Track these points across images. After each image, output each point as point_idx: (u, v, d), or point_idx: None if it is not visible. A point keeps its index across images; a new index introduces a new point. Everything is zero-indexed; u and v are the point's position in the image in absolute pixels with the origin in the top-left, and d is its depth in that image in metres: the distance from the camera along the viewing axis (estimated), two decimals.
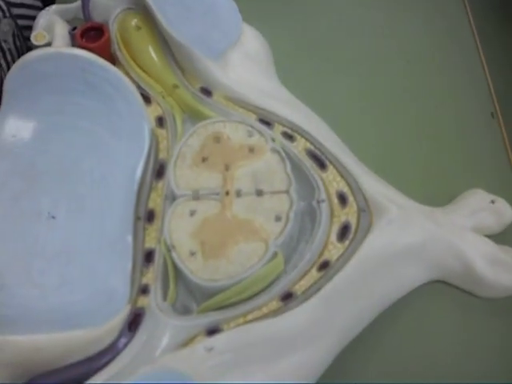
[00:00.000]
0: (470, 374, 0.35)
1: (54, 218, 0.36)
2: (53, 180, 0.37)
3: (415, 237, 0.35)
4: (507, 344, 0.36)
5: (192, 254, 0.33)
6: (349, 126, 0.42)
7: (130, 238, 0.35)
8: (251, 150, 0.36)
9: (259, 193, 0.35)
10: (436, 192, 0.41)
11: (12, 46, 0.46)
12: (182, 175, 0.35)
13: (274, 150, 0.36)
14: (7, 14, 0.44)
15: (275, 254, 0.32)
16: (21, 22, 0.47)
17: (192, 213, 0.34)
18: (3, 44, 0.44)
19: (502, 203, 0.39)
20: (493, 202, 0.38)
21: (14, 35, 0.46)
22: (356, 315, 0.34)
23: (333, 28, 0.51)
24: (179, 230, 0.34)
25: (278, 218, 0.34)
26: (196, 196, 0.35)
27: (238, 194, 0.35)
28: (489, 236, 0.38)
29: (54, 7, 0.43)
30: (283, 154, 0.36)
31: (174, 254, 0.33)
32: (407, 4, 0.52)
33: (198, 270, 0.32)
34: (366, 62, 0.48)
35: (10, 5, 0.45)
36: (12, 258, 0.34)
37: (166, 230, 0.34)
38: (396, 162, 0.43)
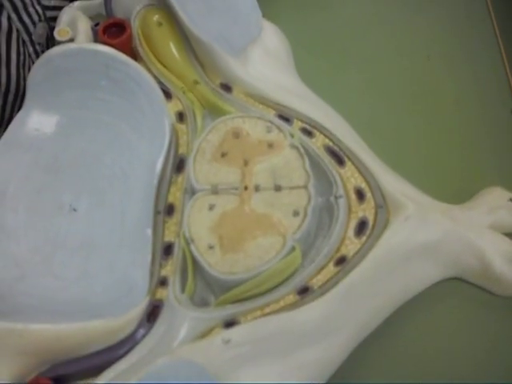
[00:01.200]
0: (487, 371, 0.35)
1: (75, 210, 0.36)
2: (75, 174, 0.37)
3: (432, 234, 0.35)
4: None
5: (210, 247, 0.33)
6: (367, 121, 0.43)
7: (149, 232, 0.35)
8: (270, 145, 0.36)
9: (277, 188, 0.35)
10: (454, 189, 0.41)
11: (45, 49, 0.47)
12: (202, 170, 0.36)
13: (293, 146, 0.36)
14: (42, 18, 0.45)
15: (293, 249, 0.33)
16: (54, 24, 0.48)
17: (211, 207, 0.35)
18: (37, 47, 0.45)
19: None
20: (511, 199, 0.38)
21: (47, 38, 0.47)
22: (372, 311, 0.34)
23: (352, 23, 0.51)
24: (198, 223, 0.34)
25: (295, 213, 0.34)
26: (215, 190, 0.35)
27: (257, 188, 0.35)
28: (507, 234, 0.37)
29: (77, 3, 0.44)
30: (302, 150, 0.36)
31: (192, 247, 0.33)
32: (429, 1, 0.52)
33: (217, 263, 0.33)
34: (385, 58, 0.49)
35: (44, 8, 0.45)
36: (34, 249, 0.34)
37: (185, 224, 0.34)
38: (414, 159, 0.43)
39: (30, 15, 0.44)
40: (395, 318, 0.35)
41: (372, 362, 0.35)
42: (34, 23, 0.44)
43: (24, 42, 0.44)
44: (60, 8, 0.48)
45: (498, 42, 0.49)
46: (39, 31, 0.45)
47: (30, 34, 0.44)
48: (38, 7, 0.45)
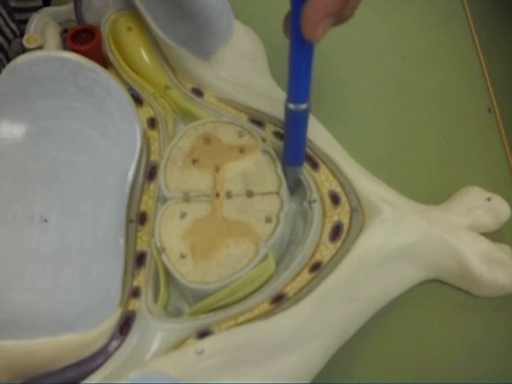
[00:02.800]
0: (467, 372, 0.35)
1: (46, 221, 0.36)
2: (45, 183, 0.37)
3: (409, 236, 0.35)
4: (504, 343, 0.36)
5: (182, 256, 0.33)
6: (343, 122, 0.43)
7: (122, 241, 0.35)
8: (242, 150, 0.36)
9: (249, 194, 0.34)
10: (432, 189, 0.41)
11: None
12: (173, 177, 0.35)
13: (265, 151, 0.36)
14: (17, 34, 0.44)
15: (266, 256, 0.32)
16: None
17: (182, 215, 0.34)
18: None
19: (498, 200, 0.38)
20: (489, 199, 0.38)
21: (23, 52, 0.46)
22: (349, 316, 0.34)
23: None
24: (169, 232, 0.33)
25: (268, 220, 0.33)
26: (186, 198, 0.35)
27: (229, 195, 0.34)
28: (485, 234, 0.37)
29: (46, 9, 0.43)
30: (274, 155, 0.35)
31: (164, 257, 0.33)
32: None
33: (189, 273, 0.32)
34: (361, 58, 0.48)
35: (20, 22, 0.45)
36: (4, 262, 0.34)
37: (156, 233, 0.33)
38: (391, 159, 0.43)
39: (4, 34, 0.43)
40: (374, 321, 0.35)
41: (352, 366, 0.35)
42: (8, 41, 0.44)
43: (0, 60, 0.43)
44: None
45: (474, 40, 0.48)
46: (15, 48, 0.44)
47: (5, 52, 0.44)
48: (12, 24, 0.44)
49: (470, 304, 0.37)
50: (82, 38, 0.40)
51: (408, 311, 0.37)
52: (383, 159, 0.42)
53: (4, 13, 0.43)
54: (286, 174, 0.35)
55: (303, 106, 0.31)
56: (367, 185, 0.36)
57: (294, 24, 0.27)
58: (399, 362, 0.35)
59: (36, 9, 0.48)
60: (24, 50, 0.45)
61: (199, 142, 0.36)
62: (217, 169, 0.35)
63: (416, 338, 0.36)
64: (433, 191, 0.40)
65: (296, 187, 0.35)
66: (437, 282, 0.37)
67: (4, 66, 0.42)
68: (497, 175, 0.42)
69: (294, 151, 0.34)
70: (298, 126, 0.32)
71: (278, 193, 0.34)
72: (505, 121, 0.44)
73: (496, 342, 0.36)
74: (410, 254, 0.35)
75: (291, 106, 0.31)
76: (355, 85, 0.47)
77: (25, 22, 0.46)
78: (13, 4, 0.46)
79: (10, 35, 0.44)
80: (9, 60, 0.44)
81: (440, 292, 0.37)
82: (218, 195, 0.34)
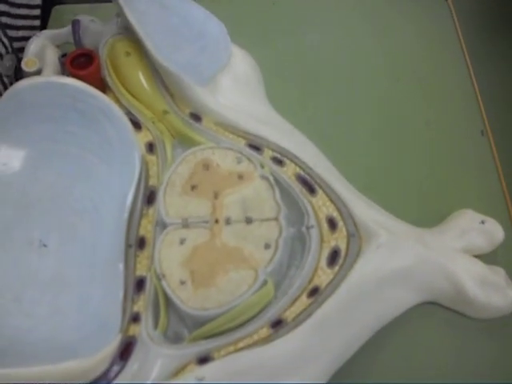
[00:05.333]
0: None
1: (45, 246, 0.36)
2: (44, 208, 0.37)
3: (405, 261, 0.35)
4: (499, 364, 0.36)
5: (182, 282, 0.33)
6: (338, 145, 0.43)
7: (121, 266, 0.35)
8: (240, 176, 0.36)
9: (248, 220, 0.35)
10: (426, 211, 0.41)
11: (14, 81, 0.46)
12: (172, 203, 0.36)
13: (263, 177, 0.36)
14: (9, 50, 0.45)
15: (265, 282, 0.33)
16: (21, 55, 0.47)
17: (182, 241, 0.34)
18: (5, 79, 0.45)
19: (492, 223, 0.39)
20: (483, 222, 0.38)
21: (15, 69, 0.46)
22: (347, 340, 0.34)
23: (321, 48, 0.51)
24: (169, 258, 0.34)
25: (267, 246, 0.34)
26: (185, 224, 0.35)
27: (228, 221, 0.35)
28: (479, 256, 0.38)
29: (44, 32, 0.43)
30: (272, 181, 0.36)
31: (164, 283, 0.33)
32: (396, 22, 0.52)
33: (189, 299, 0.32)
34: (355, 82, 0.49)
35: (12, 39, 0.45)
36: (3, 287, 0.34)
37: (156, 259, 0.34)
38: (385, 182, 0.43)
39: None
40: (370, 343, 0.35)
41: None
42: (1, 56, 0.44)
43: None
44: (28, 38, 0.48)
45: (467, 62, 0.49)
46: (6, 63, 0.44)
47: None
48: (4, 39, 0.44)
49: (465, 326, 0.37)
50: (81, 63, 0.40)
51: (403, 333, 0.37)
52: (377, 182, 0.43)
53: None
54: None
55: None
56: (364, 209, 0.36)
57: None
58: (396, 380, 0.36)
59: (29, 27, 0.49)
60: (16, 67, 0.45)
61: (198, 168, 0.37)
62: (216, 195, 0.36)
63: (411, 359, 0.36)
64: (427, 214, 0.41)
65: None
66: (432, 304, 0.37)
67: None
68: (490, 197, 0.42)
69: None
70: None
71: (276, 219, 0.35)
72: (498, 143, 0.45)
73: (491, 363, 0.36)
74: (407, 278, 0.35)
75: None
76: (349, 107, 0.47)
77: (16, 39, 0.46)
78: (4, 20, 0.46)
79: (3, 50, 0.44)
80: (0, 75, 0.44)
81: (435, 314, 0.37)
82: (217, 221, 0.35)
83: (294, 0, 0.54)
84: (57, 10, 0.53)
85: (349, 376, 0.35)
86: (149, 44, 0.38)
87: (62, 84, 0.37)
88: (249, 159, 0.37)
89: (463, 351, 0.37)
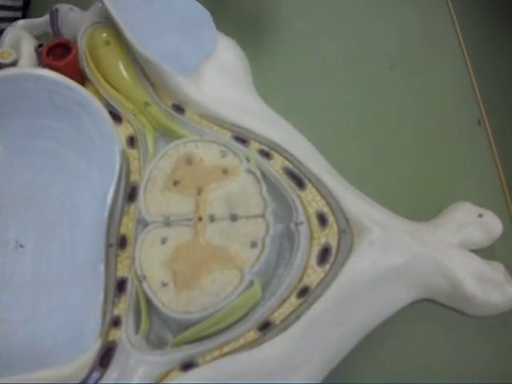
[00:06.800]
0: None
1: (22, 246, 0.34)
2: (21, 206, 0.35)
3: (399, 257, 0.34)
4: (498, 362, 0.35)
5: (164, 284, 0.31)
6: (331, 137, 0.41)
7: (101, 267, 0.34)
8: (225, 171, 0.34)
9: (234, 217, 0.33)
10: (421, 204, 0.40)
11: None
12: (153, 200, 0.34)
13: (249, 171, 0.34)
14: None
15: (252, 283, 0.31)
16: None
17: (163, 240, 0.33)
18: None
19: (490, 216, 0.37)
20: (481, 215, 0.37)
21: None
22: (339, 342, 0.33)
23: (312, 36, 0.49)
24: (150, 259, 0.32)
25: (253, 244, 0.32)
26: (167, 222, 0.33)
27: (212, 219, 0.33)
28: (477, 251, 0.36)
29: (21, 22, 0.41)
30: (258, 175, 0.34)
31: (145, 285, 0.31)
32: (389, 9, 0.50)
33: (171, 302, 0.31)
34: (347, 70, 0.47)
35: None
36: None
37: (136, 260, 0.32)
38: (379, 174, 0.42)
39: None
40: (364, 342, 0.34)
41: None
42: None
43: None
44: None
45: (463, 50, 0.47)
46: None
47: None
48: None
49: (462, 323, 0.36)
50: (58, 53, 0.39)
51: (399, 331, 0.36)
52: (371, 174, 0.41)
53: None
54: None
55: None
56: (356, 204, 0.35)
57: None
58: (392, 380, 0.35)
59: (10, 19, 0.47)
60: None
61: (180, 163, 0.35)
62: (199, 191, 0.34)
63: (407, 358, 0.35)
64: (422, 206, 0.40)
65: None
66: (429, 301, 0.36)
67: None
68: (487, 189, 0.41)
69: None
70: None
71: (263, 216, 0.33)
72: (495, 132, 0.43)
73: (489, 361, 0.35)
74: (402, 275, 0.34)
75: None
76: (340, 96, 0.46)
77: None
78: None
79: None
80: None
81: (432, 311, 0.36)
82: (200, 219, 0.33)
83: None
84: None
85: (343, 376, 0.34)
86: (128, 32, 0.37)
87: (38, 76, 0.35)
88: (234, 153, 0.35)
89: (461, 350, 0.36)
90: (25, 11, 0.51)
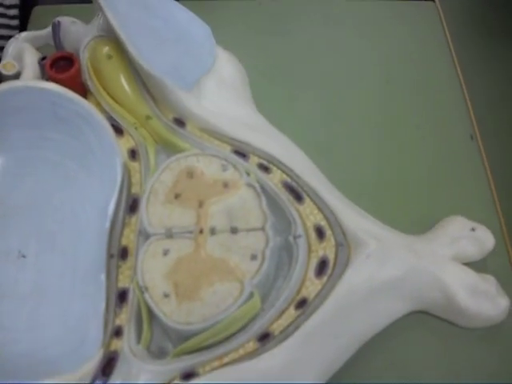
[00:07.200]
0: None
1: (24, 256, 0.35)
2: (23, 217, 0.36)
3: (395, 270, 0.34)
4: (490, 372, 0.36)
5: (166, 295, 0.32)
6: (326, 150, 0.42)
7: (102, 277, 0.34)
8: (225, 185, 0.35)
9: (234, 230, 0.34)
10: (416, 218, 0.41)
11: None
12: (155, 212, 0.35)
13: (249, 185, 0.35)
14: None
15: (251, 295, 0.32)
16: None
17: (165, 252, 0.33)
18: None
19: (482, 230, 0.38)
20: (473, 229, 0.38)
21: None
22: (336, 352, 0.34)
23: (309, 49, 0.50)
24: (152, 270, 0.33)
25: (253, 257, 0.33)
26: (169, 234, 0.34)
27: (213, 231, 0.34)
28: (469, 264, 0.37)
29: (23, 34, 0.42)
30: (258, 189, 0.35)
31: (147, 296, 0.32)
32: (385, 25, 0.52)
33: (173, 313, 0.31)
34: (343, 84, 0.48)
35: None
36: None
37: (138, 271, 0.33)
38: (375, 188, 0.43)
39: None
40: (361, 352, 0.35)
41: None
42: None
43: None
44: (6, 37, 0.47)
45: (456, 67, 0.49)
46: None
47: None
48: None
49: (455, 334, 0.37)
50: (61, 66, 0.39)
51: (394, 342, 0.37)
52: (366, 188, 0.42)
53: None
54: None
55: None
56: (352, 218, 0.35)
57: None
58: None
59: (6, 26, 0.48)
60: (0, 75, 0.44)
61: (182, 176, 0.36)
62: (200, 204, 0.35)
63: (402, 369, 0.36)
64: (416, 220, 0.40)
65: None
66: (423, 313, 0.37)
67: None
68: (480, 203, 0.42)
69: None
70: None
71: (263, 229, 0.34)
72: (486, 148, 0.44)
73: (482, 372, 0.36)
74: (397, 288, 0.35)
75: None
76: (337, 110, 0.47)
77: None
78: None
79: None
80: None
81: (425, 323, 0.37)
82: (201, 231, 0.34)
83: (279, 1, 0.53)
84: (37, 10, 0.52)
85: None
86: (131, 47, 0.37)
87: (41, 89, 0.36)
88: (234, 166, 0.36)
89: (454, 361, 0.36)
90: (24, 22, 0.52)
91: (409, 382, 0.36)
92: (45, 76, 0.39)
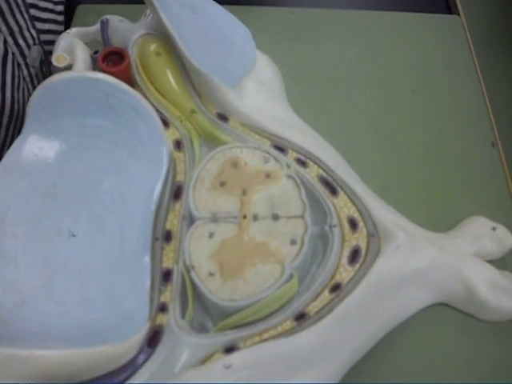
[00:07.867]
0: None
1: (74, 236, 0.36)
2: (73, 199, 0.38)
3: (421, 261, 0.37)
4: (508, 365, 0.38)
5: (211, 274, 0.34)
6: (356, 151, 0.44)
7: (147, 258, 0.36)
8: (267, 175, 0.37)
9: (275, 217, 0.36)
10: (439, 218, 0.43)
11: (39, 72, 0.48)
12: (201, 198, 0.37)
13: (289, 176, 0.37)
14: (36, 41, 0.46)
15: (291, 276, 0.34)
16: (47, 47, 0.48)
17: (211, 235, 0.35)
18: (31, 70, 0.46)
19: (502, 230, 0.40)
20: (494, 228, 0.40)
21: (41, 61, 0.47)
22: (365, 335, 0.35)
23: (340, 57, 0.52)
24: (198, 251, 0.35)
25: (293, 242, 0.35)
26: (214, 219, 0.36)
27: (255, 217, 0.36)
28: (489, 261, 0.39)
29: (74, 30, 0.44)
30: (298, 180, 0.37)
31: (193, 274, 0.34)
32: (412, 34, 0.54)
33: (217, 290, 0.34)
34: (372, 91, 0.50)
35: (39, 32, 0.46)
36: (33, 274, 0.34)
37: (185, 251, 0.35)
38: (400, 188, 0.45)
39: (25, 39, 0.45)
40: (384, 342, 0.36)
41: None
42: (28, 46, 0.45)
43: (19, 64, 0.44)
44: (54, 32, 0.49)
45: (479, 78, 0.51)
46: (33, 54, 0.46)
47: (24, 57, 0.45)
48: (32, 31, 0.45)
49: (474, 327, 0.39)
50: (112, 60, 0.41)
51: (416, 333, 0.38)
52: (392, 187, 0.44)
53: (26, 17, 0.44)
54: None
55: None
56: (382, 212, 0.38)
57: None
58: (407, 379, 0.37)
59: (53, 21, 0.50)
60: (41, 59, 0.46)
61: (227, 166, 0.38)
62: (244, 192, 0.37)
63: (421, 360, 0.38)
64: (440, 220, 0.42)
65: None
66: (444, 305, 0.39)
67: (23, 71, 0.44)
68: (500, 206, 0.44)
69: None
70: None
71: (302, 217, 0.36)
72: (507, 155, 0.46)
73: (500, 364, 0.38)
74: (422, 278, 0.37)
75: None
76: (366, 114, 0.49)
77: (43, 31, 0.47)
78: (32, 12, 0.47)
79: (30, 41, 0.45)
80: (27, 65, 0.45)
81: (447, 315, 0.39)
82: (245, 217, 0.36)
83: (312, 11, 0.55)
84: (81, 8, 0.54)
85: (359, 375, 0.36)
86: (182, 45, 0.40)
87: (96, 79, 0.38)
88: (275, 159, 0.38)
89: (472, 352, 0.38)
90: (68, 18, 0.54)
91: (427, 373, 0.37)
92: (96, 69, 0.42)
